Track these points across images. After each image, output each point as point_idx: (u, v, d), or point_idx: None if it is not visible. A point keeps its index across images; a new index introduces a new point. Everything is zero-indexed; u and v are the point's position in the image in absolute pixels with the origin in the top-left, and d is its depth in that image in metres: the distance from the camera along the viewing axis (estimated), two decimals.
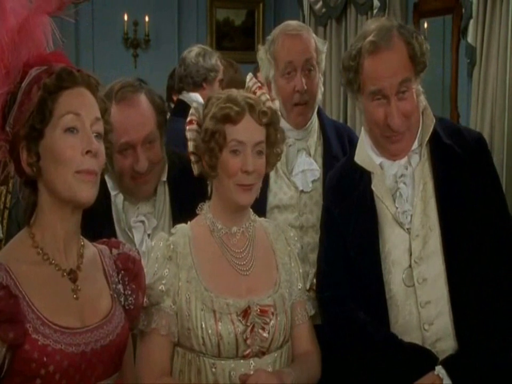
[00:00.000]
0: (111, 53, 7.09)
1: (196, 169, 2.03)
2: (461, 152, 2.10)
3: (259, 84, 2.08)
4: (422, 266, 2.06)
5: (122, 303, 1.73)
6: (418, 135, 2.15)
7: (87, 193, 1.55)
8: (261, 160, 1.98)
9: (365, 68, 2.08)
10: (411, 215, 2.09)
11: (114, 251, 1.76)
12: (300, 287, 2.09)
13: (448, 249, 2.05)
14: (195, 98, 3.82)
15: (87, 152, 1.54)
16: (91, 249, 1.72)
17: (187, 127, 2.02)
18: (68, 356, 1.51)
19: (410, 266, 2.08)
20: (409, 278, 2.07)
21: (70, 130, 1.54)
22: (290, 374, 1.91)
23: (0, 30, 1.55)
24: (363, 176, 2.17)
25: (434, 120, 2.15)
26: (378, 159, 2.17)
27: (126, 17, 7.10)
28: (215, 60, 3.96)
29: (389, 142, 2.12)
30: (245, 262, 2.00)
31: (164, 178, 2.33)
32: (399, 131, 2.08)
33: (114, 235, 2.21)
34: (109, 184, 2.26)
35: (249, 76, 2.11)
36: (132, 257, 1.77)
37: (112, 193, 2.29)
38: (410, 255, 2.08)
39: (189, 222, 2.05)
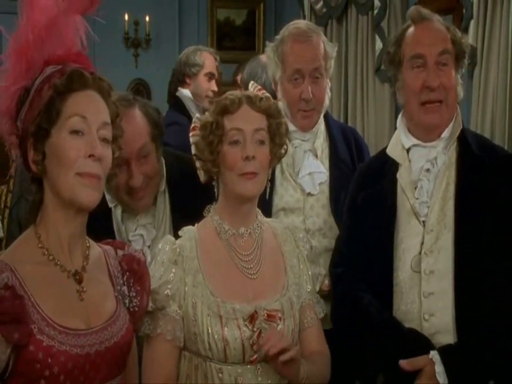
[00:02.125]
0: (112, 52, 7.07)
1: (202, 176, 2.01)
2: (490, 166, 2.12)
3: (259, 87, 2.09)
4: (431, 258, 2.10)
5: (127, 305, 1.72)
6: (451, 125, 2.18)
7: (88, 196, 1.55)
8: (263, 149, 1.95)
9: (408, 35, 2.17)
10: (428, 207, 2.13)
11: (120, 252, 1.76)
12: (309, 290, 2.07)
13: (459, 248, 2.07)
14: (186, 93, 4.04)
15: (90, 156, 1.54)
16: (96, 250, 1.71)
17: (190, 134, 2.02)
18: (72, 357, 1.51)
19: (420, 254, 2.11)
20: (417, 264, 2.11)
21: (76, 132, 1.55)
22: (304, 364, 1.90)
23: (26, 25, 1.55)
24: (391, 167, 2.23)
25: (461, 125, 2.19)
26: (409, 143, 2.20)
27: (126, 17, 7.08)
28: (198, 54, 4.08)
29: (425, 111, 2.14)
30: (252, 265, 1.98)
31: (162, 188, 2.31)
32: (437, 95, 2.11)
33: None
34: (107, 196, 2.23)
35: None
36: (136, 258, 1.76)
37: (110, 205, 2.28)
38: (422, 246, 2.12)
39: (196, 224, 2.03)
